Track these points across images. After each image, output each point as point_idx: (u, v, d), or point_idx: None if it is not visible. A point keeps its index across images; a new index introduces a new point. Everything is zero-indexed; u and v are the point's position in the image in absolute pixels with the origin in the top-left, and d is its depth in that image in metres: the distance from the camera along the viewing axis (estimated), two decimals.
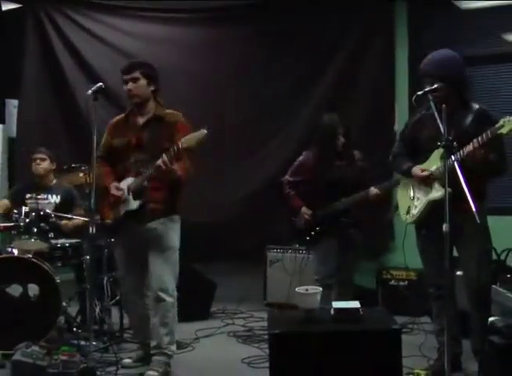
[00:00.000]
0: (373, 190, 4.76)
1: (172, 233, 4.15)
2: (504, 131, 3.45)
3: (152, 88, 4.14)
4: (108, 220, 4.26)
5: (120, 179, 4.17)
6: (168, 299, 4.08)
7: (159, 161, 3.82)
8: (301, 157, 5.03)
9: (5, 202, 5.32)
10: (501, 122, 3.46)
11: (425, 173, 3.83)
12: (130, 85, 4.10)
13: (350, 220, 4.88)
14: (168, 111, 4.19)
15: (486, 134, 3.51)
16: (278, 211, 5.60)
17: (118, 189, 4.11)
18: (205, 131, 3.71)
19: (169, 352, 4.13)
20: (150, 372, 4.04)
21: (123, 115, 4.29)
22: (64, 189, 5.38)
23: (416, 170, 3.89)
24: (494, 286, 4.04)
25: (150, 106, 4.17)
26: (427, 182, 3.85)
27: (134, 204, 4.08)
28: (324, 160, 4.85)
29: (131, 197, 4.09)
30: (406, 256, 4.48)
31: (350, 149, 4.91)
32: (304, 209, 4.93)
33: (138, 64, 4.18)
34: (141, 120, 4.16)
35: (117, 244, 4.34)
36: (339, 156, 4.88)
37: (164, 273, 4.09)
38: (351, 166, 4.90)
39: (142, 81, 4.11)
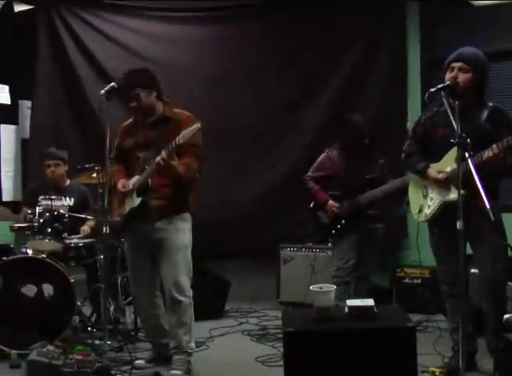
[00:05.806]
0: (400, 179, 4.81)
1: (182, 231, 4.13)
2: None
3: (154, 93, 4.12)
4: (116, 218, 4.27)
5: (130, 178, 4.19)
6: (184, 300, 4.08)
7: (158, 158, 3.85)
8: (323, 155, 5.09)
9: (24, 210, 5.14)
10: None
11: (442, 175, 3.77)
12: (133, 104, 4.08)
13: (376, 213, 4.94)
14: (177, 111, 4.19)
15: (507, 140, 3.47)
16: (292, 209, 5.61)
17: (124, 185, 4.14)
18: (199, 124, 3.74)
19: (189, 350, 4.15)
20: (173, 372, 4.06)
21: (131, 120, 4.30)
22: (78, 190, 5.36)
23: (433, 172, 3.84)
24: (509, 283, 4.01)
25: (157, 108, 4.16)
26: (442, 183, 3.80)
27: (136, 202, 4.09)
28: (352, 162, 4.93)
29: (135, 194, 4.10)
30: (421, 253, 4.45)
31: (375, 149, 5.01)
32: (331, 202, 4.97)
33: (134, 81, 4.08)
34: (149, 120, 4.16)
35: (126, 242, 4.34)
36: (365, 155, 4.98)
37: (178, 274, 4.07)
38: (374, 165, 5.02)
39: (143, 94, 4.07)
